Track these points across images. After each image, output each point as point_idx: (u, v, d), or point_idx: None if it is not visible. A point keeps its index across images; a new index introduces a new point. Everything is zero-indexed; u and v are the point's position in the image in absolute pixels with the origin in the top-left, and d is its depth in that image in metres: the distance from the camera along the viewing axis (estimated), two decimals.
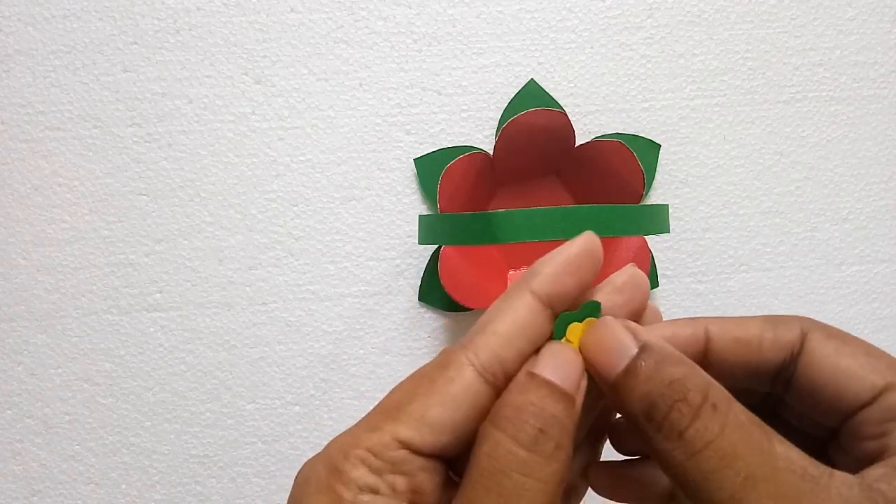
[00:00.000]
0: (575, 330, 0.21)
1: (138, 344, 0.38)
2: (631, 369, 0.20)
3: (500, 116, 0.38)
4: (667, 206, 0.32)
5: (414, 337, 0.38)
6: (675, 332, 0.22)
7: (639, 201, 0.37)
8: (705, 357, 0.22)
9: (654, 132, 0.39)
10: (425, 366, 0.21)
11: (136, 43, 0.38)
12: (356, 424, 0.21)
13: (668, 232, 0.32)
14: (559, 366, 0.20)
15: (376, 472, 0.20)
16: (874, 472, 0.19)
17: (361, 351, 0.38)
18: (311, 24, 0.38)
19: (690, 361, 0.20)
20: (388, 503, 0.20)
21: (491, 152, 0.38)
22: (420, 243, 0.34)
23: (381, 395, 0.36)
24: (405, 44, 0.38)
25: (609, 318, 0.21)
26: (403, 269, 0.38)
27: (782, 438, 0.19)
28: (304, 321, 0.38)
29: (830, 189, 0.40)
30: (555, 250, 0.22)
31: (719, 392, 0.19)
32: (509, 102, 0.38)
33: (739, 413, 0.19)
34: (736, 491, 0.18)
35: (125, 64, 0.38)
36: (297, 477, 0.22)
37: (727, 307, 0.39)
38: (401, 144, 0.38)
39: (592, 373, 0.21)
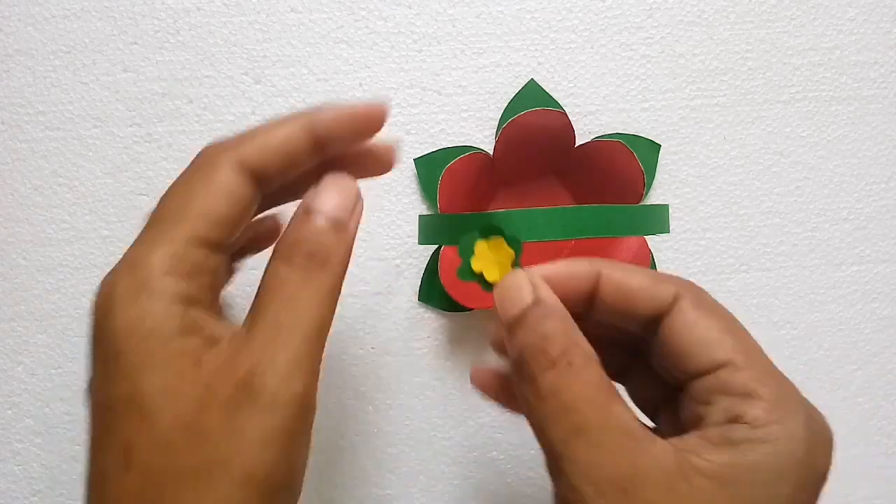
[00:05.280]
0: (482, 246, 0.25)
1: None
2: (519, 318, 0.23)
3: (499, 116, 0.38)
4: (667, 206, 0.32)
5: (414, 337, 0.38)
6: (572, 272, 0.24)
7: (639, 201, 0.37)
8: (593, 296, 0.24)
9: (654, 132, 0.39)
10: (186, 171, 0.23)
11: (136, 43, 0.38)
12: (143, 241, 0.23)
13: (668, 232, 0.32)
14: (336, 196, 0.24)
15: (184, 277, 0.22)
16: (689, 440, 0.22)
17: (361, 351, 0.38)
18: (311, 24, 0.38)
19: (569, 321, 0.23)
20: (193, 309, 0.22)
21: (491, 152, 0.38)
22: (420, 243, 0.34)
23: (381, 395, 0.36)
24: (405, 44, 0.38)
25: (520, 270, 0.24)
26: (403, 269, 0.38)
27: (624, 403, 0.22)
28: None
29: (830, 189, 0.40)
30: (339, 103, 0.24)
31: (580, 352, 0.22)
32: (509, 102, 0.38)
33: (593, 374, 0.22)
34: (567, 435, 0.21)
35: (125, 64, 0.38)
36: (98, 296, 0.22)
37: (727, 307, 0.39)
38: (401, 144, 0.38)
39: (496, 311, 0.24)
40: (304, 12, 0.38)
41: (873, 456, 0.39)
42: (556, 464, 0.22)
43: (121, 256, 0.23)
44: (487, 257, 0.25)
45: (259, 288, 0.23)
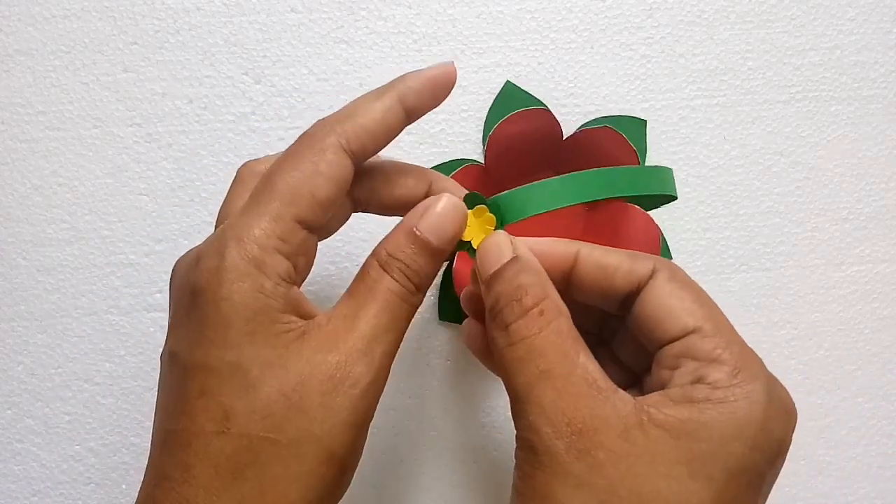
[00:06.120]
0: (469, 215, 0.26)
1: (138, 344, 0.38)
2: (498, 272, 0.24)
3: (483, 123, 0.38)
4: (670, 169, 0.31)
5: (414, 337, 0.38)
6: (552, 248, 0.25)
7: None
8: (571, 273, 0.25)
9: (654, 132, 0.39)
10: (296, 147, 0.24)
11: (136, 43, 0.38)
12: (249, 213, 0.23)
13: (676, 196, 0.31)
14: (440, 223, 0.25)
15: (288, 257, 0.23)
16: (652, 397, 0.22)
17: None
18: (311, 24, 0.38)
19: (544, 276, 0.24)
20: (293, 288, 0.24)
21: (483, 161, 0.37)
22: None
23: (381, 395, 0.35)
24: (405, 44, 0.38)
25: (501, 231, 0.26)
26: None
27: (590, 354, 0.23)
28: None
29: (830, 189, 0.40)
30: (418, 71, 0.25)
31: (552, 304, 0.23)
32: (489, 109, 0.38)
33: (562, 325, 0.23)
34: (532, 378, 0.22)
35: (125, 64, 0.38)
36: (200, 262, 0.23)
37: (727, 307, 0.39)
38: (401, 144, 0.38)
39: (477, 269, 0.25)
40: (304, 12, 0.38)
41: (873, 456, 0.39)
42: (520, 407, 0.23)
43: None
44: (474, 225, 0.26)
45: (357, 282, 0.25)
